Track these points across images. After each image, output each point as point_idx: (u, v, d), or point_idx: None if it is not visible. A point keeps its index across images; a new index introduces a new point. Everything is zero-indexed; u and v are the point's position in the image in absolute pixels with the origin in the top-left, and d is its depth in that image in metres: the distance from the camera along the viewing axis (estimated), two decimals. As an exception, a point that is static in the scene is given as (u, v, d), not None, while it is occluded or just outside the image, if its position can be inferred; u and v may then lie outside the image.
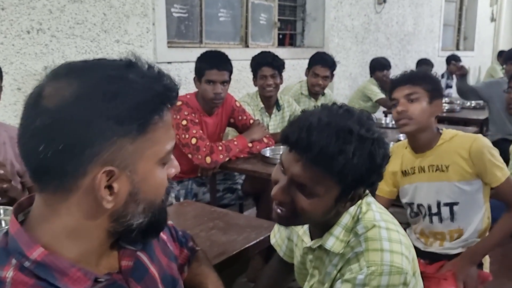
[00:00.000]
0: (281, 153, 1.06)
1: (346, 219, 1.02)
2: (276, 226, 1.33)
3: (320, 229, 1.05)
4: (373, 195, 1.12)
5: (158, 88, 0.67)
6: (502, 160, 1.63)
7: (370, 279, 0.93)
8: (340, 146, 0.86)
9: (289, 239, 1.27)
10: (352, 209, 1.03)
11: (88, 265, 0.69)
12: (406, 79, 1.67)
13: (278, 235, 1.31)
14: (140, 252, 0.80)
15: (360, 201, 1.01)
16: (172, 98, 0.70)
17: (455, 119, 4.14)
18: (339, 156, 0.86)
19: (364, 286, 0.94)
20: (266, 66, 2.84)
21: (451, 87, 6.29)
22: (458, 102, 4.66)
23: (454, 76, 6.26)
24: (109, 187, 0.65)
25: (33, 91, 0.66)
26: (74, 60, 0.69)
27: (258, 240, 1.44)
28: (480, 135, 1.67)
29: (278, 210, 0.99)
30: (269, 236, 1.38)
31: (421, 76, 1.69)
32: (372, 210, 1.04)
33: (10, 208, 1.44)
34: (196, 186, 2.59)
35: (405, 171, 1.74)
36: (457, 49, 7.88)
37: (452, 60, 6.06)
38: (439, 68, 6.34)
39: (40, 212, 0.68)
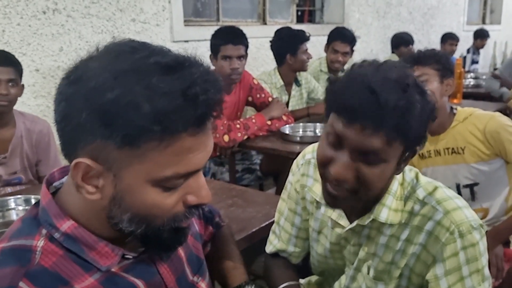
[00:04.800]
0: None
1: (395, 186, 0.95)
2: (272, 235, 1.21)
3: (364, 205, 0.96)
4: None
5: (177, 104, 0.57)
6: None
7: (466, 239, 0.90)
8: (409, 100, 0.79)
9: (297, 237, 1.16)
10: (399, 176, 0.96)
11: (114, 243, 0.68)
12: (413, 60, 1.59)
13: (276, 241, 1.19)
14: None
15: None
16: (194, 122, 0.59)
17: (480, 95, 4.00)
18: (409, 111, 0.79)
19: (465, 248, 0.90)
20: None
21: (477, 62, 6.09)
22: (484, 77, 4.50)
23: (480, 51, 6.08)
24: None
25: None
26: (129, 40, 0.63)
27: (277, 217, 1.41)
28: (495, 114, 1.60)
29: (334, 191, 0.89)
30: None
31: (429, 55, 1.61)
32: (419, 173, 0.99)
33: (21, 197, 1.48)
34: (214, 165, 2.57)
35: (421, 154, 1.70)
36: (483, 22, 7.59)
37: (480, 35, 5.85)
38: (465, 43, 6.12)
39: (68, 181, 0.68)
